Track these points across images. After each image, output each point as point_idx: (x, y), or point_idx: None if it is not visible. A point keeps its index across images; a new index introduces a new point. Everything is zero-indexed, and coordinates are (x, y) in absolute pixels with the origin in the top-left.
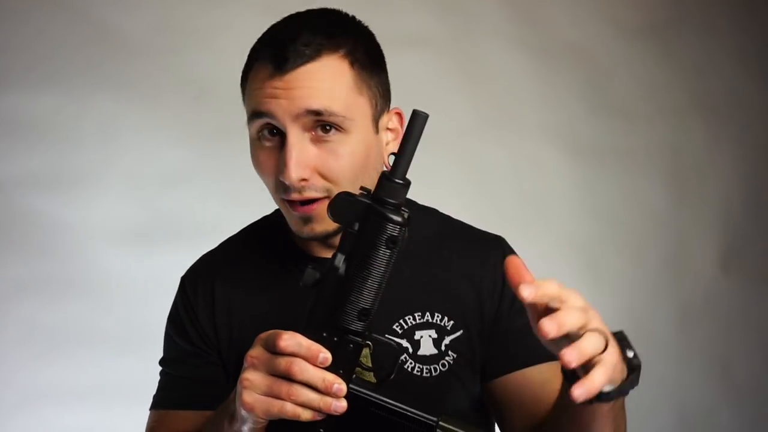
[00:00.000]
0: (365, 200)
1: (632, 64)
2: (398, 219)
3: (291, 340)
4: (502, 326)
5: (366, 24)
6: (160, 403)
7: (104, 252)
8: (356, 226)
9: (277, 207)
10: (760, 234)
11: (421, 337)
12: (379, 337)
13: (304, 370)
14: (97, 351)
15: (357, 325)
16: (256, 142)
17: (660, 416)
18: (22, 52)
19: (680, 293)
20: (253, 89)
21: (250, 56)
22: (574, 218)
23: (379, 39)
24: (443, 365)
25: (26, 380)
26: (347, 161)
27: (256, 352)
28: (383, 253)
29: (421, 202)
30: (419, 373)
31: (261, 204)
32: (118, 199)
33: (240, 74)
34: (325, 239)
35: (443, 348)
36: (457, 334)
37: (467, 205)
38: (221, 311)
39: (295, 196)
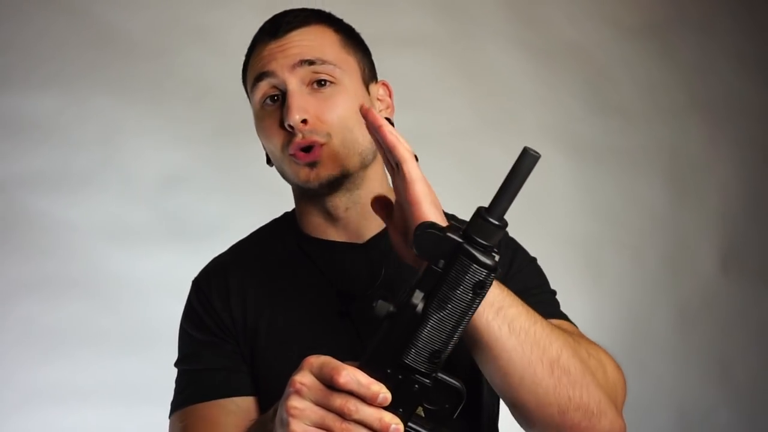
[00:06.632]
0: (455, 238)
1: (631, 64)
2: (489, 263)
3: (350, 376)
4: None
5: (365, 24)
6: (183, 401)
7: (105, 252)
8: (441, 264)
9: (278, 206)
10: (759, 234)
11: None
12: (446, 378)
13: (360, 410)
14: (98, 350)
15: (426, 367)
16: (260, 112)
17: (659, 415)
18: (23, 52)
19: (680, 293)
20: (253, 62)
21: (248, 51)
22: (573, 218)
23: (379, 39)
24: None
25: (26, 380)
26: (342, 110)
27: (306, 380)
28: (467, 297)
29: None
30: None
31: (261, 204)
32: (119, 200)
33: (240, 74)
34: (330, 188)
35: None
36: None
37: (466, 205)
38: (236, 300)
39: (298, 140)
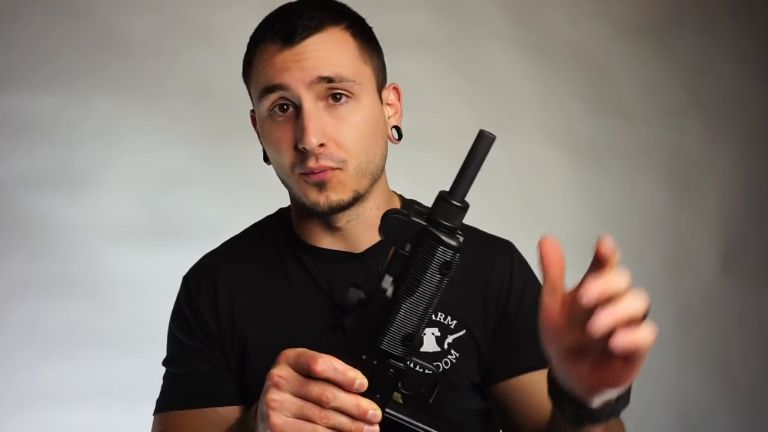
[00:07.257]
0: (420, 221)
1: (631, 64)
2: (453, 243)
3: (326, 364)
4: (507, 329)
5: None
6: (165, 405)
7: (105, 252)
8: (407, 248)
9: (279, 207)
10: (759, 234)
11: (424, 334)
12: (420, 362)
13: (337, 397)
14: (99, 351)
15: (400, 350)
16: (267, 120)
17: (659, 416)
18: (24, 53)
19: (680, 293)
20: (262, 67)
21: (251, 43)
22: (572, 218)
23: (379, 39)
24: (446, 363)
25: (28, 380)
26: (359, 129)
27: (283, 372)
28: (435, 278)
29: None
30: (421, 371)
31: (261, 204)
32: (119, 199)
33: (240, 75)
34: (339, 211)
35: (446, 346)
36: (460, 333)
37: None
38: (224, 305)
39: (311, 163)
